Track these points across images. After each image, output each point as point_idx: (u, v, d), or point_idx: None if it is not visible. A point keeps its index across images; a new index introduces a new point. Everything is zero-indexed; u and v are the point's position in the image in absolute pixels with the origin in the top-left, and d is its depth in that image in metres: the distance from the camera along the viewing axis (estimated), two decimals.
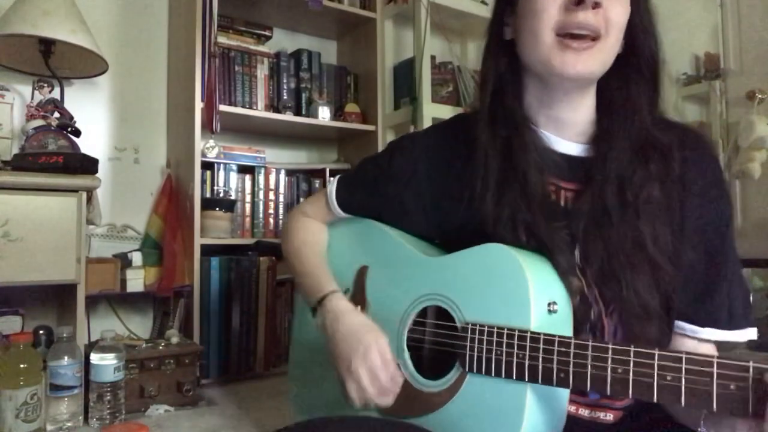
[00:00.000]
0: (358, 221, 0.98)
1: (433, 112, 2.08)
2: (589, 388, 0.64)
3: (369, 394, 0.77)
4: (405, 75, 2.21)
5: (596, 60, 0.72)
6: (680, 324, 0.76)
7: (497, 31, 0.82)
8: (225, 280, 1.81)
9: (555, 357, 0.66)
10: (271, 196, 2.06)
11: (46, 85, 1.59)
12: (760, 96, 2.31)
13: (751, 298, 0.77)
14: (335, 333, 0.83)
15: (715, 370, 0.56)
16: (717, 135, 2.46)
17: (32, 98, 1.61)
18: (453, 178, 0.85)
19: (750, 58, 2.45)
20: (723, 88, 2.50)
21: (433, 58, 2.24)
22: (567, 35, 0.71)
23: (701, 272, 0.75)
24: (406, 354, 0.82)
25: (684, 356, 0.58)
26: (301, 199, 2.12)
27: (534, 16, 0.72)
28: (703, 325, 0.74)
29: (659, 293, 0.73)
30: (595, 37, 0.71)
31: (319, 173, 2.21)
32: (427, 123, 2.05)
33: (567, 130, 0.80)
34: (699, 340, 0.75)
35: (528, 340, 0.68)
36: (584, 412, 0.77)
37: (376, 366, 0.77)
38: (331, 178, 1.01)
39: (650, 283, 0.72)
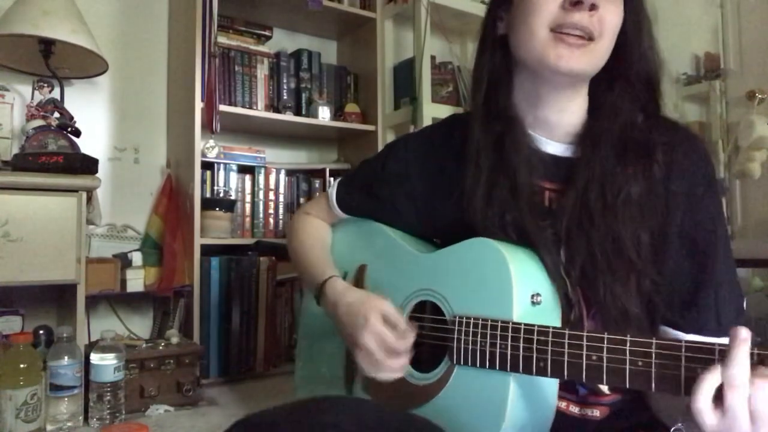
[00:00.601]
0: (358, 221, 1.00)
1: (433, 112, 2.08)
2: (566, 376, 0.65)
3: (378, 357, 0.75)
4: (405, 75, 2.21)
5: (589, 59, 0.73)
6: (666, 330, 0.74)
7: (491, 26, 0.83)
8: (225, 280, 1.81)
9: (534, 346, 0.67)
10: (271, 196, 2.06)
11: (46, 85, 1.59)
12: (760, 96, 2.31)
13: (744, 304, 0.75)
14: (338, 315, 0.84)
15: (683, 353, 0.56)
16: (717, 135, 2.46)
17: (32, 98, 1.60)
18: (445, 178, 0.87)
19: (750, 58, 2.45)
20: (723, 88, 2.50)
21: (433, 58, 2.24)
22: (561, 32, 0.71)
23: (687, 276, 0.73)
24: None
25: (654, 341, 0.58)
26: (302, 200, 2.13)
27: (530, 12, 0.73)
28: (687, 331, 0.72)
29: (641, 299, 0.72)
30: (589, 38, 0.72)
31: (319, 173, 2.21)
32: (427, 123, 2.05)
33: (554, 131, 0.80)
34: None
35: (510, 331, 0.69)
36: (575, 410, 0.77)
37: (380, 330, 0.76)
38: (332, 179, 1.03)
39: (630, 287, 0.71)
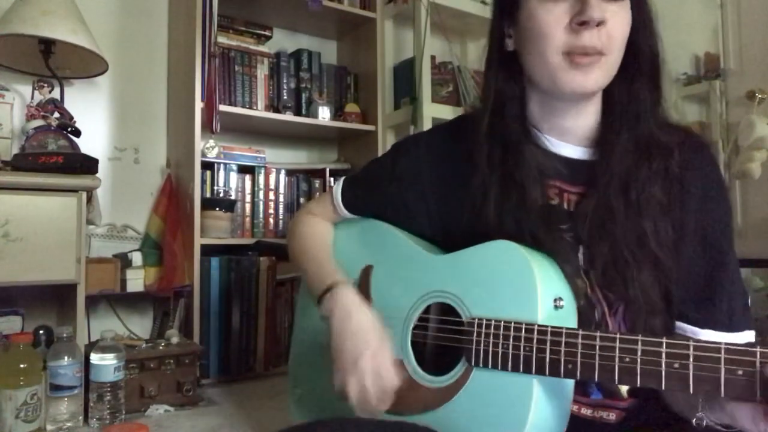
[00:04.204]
0: (363, 221, 0.99)
1: (433, 112, 2.08)
2: (597, 378, 0.64)
3: (369, 395, 0.77)
4: (405, 75, 2.21)
5: (601, 74, 0.73)
6: (681, 325, 0.76)
7: (498, 43, 0.82)
8: (225, 280, 1.81)
9: (562, 348, 0.66)
10: (271, 196, 2.06)
11: (46, 85, 1.59)
12: (760, 96, 2.31)
13: (749, 301, 0.78)
14: (344, 329, 0.82)
15: (723, 355, 0.57)
16: (717, 135, 2.46)
17: (32, 98, 1.60)
18: (457, 181, 0.86)
19: (750, 58, 2.45)
20: (723, 88, 2.50)
21: (433, 58, 2.24)
22: (573, 54, 0.72)
23: (701, 274, 0.75)
24: (410, 351, 0.82)
25: (692, 343, 0.58)
26: (302, 200, 2.12)
27: (539, 37, 0.73)
28: (702, 327, 0.75)
29: (660, 288, 0.74)
30: (599, 53, 0.72)
31: (319, 173, 2.21)
32: (427, 123, 2.05)
33: (569, 135, 0.81)
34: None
35: (535, 333, 0.68)
36: (587, 412, 0.77)
37: (384, 368, 0.77)
38: (332, 179, 1.02)
39: (653, 278, 0.73)
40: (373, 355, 0.77)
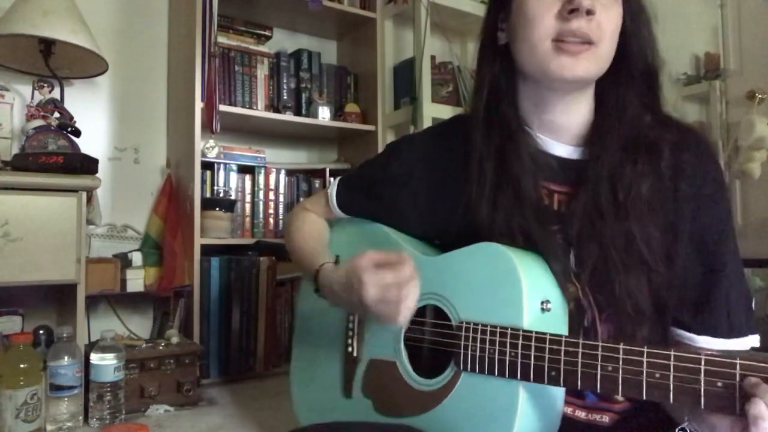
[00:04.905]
0: (358, 222, 0.99)
1: (433, 112, 2.08)
2: (579, 386, 0.64)
3: (391, 301, 0.72)
4: (405, 75, 2.21)
5: (592, 63, 0.73)
6: (677, 332, 0.75)
7: (491, 35, 0.83)
8: (225, 280, 1.81)
9: (546, 355, 0.66)
10: (271, 196, 2.06)
11: (46, 85, 1.59)
12: (760, 96, 2.31)
13: (753, 305, 0.75)
14: (336, 293, 0.82)
15: (702, 367, 0.56)
16: (717, 135, 2.46)
17: (32, 98, 1.60)
18: (449, 182, 0.86)
19: (750, 58, 2.45)
20: (723, 88, 2.50)
21: (433, 58, 2.24)
22: (562, 40, 0.72)
23: (698, 277, 0.74)
24: (404, 353, 0.82)
25: (672, 353, 0.58)
26: (301, 199, 2.12)
27: (528, 24, 0.73)
28: (699, 333, 0.73)
29: (651, 294, 0.72)
30: (589, 43, 0.72)
31: (319, 173, 2.21)
32: (427, 123, 2.05)
33: (562, 133, 0.80)
34: (697, 348, 0.75)
35: (520, 339, 0.68)
36: (581, 414, 0.77)
37: (377, 278, 0.73)
38: (332, 179, 1.03)
39: (642, 284, 0.71)
40: (363, 286, 0.73)
